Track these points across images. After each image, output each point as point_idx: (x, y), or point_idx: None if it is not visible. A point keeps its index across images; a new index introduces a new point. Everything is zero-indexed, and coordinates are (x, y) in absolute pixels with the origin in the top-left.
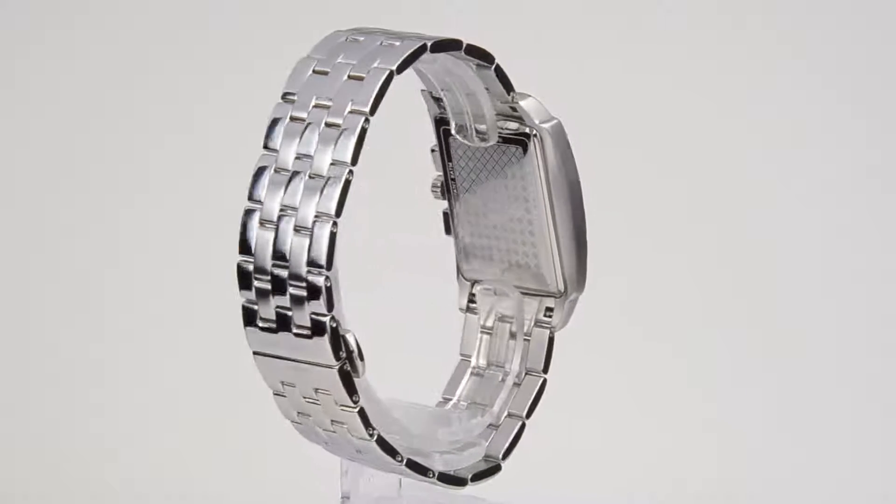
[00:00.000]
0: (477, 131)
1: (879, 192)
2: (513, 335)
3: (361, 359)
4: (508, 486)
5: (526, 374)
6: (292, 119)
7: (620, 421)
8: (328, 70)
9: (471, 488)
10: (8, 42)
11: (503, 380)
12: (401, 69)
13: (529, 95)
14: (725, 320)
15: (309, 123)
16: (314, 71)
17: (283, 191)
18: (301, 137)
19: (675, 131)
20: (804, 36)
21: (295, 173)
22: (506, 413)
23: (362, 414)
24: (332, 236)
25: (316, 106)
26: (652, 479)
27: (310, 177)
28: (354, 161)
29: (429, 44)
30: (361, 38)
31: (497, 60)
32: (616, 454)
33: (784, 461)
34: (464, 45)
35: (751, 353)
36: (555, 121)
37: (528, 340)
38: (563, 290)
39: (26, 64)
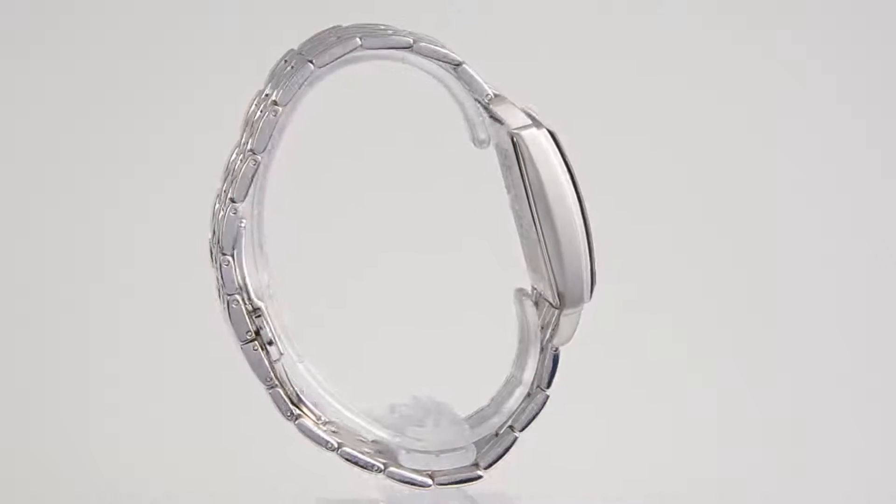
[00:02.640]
0: (475, 133)
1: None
2: (532, 347)
3: (271, 344)
4: (514, 487)
5: (537, 387)
6: (255, 107)
7: (621, 423)
8: (288, 61)
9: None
10: None
11: (518, 391)
12: (323, 64)
13: (507, 100)
14: (728, 323)
15: (258, 111)
16: (284, 61)
17: (231, 175)
18: (248, 124)
19: (679, 134)
20: (805, 34)
21: (241, 158)
22: (508, 424)
23: (276, 397)
24: (231, 219)
25: (266, 95)
26: (653, 480)
27: (241, 161)
28: (259, 148)
29: (360, 40)
30: (339, 34)
31: (464, 62)
32: (618, 456)
33: (784, 462)
34: (413, 45)
35: (751, 356)
36: (532, 128)
37: (542, 353)
38: (558, 304)
39: (11, 64)
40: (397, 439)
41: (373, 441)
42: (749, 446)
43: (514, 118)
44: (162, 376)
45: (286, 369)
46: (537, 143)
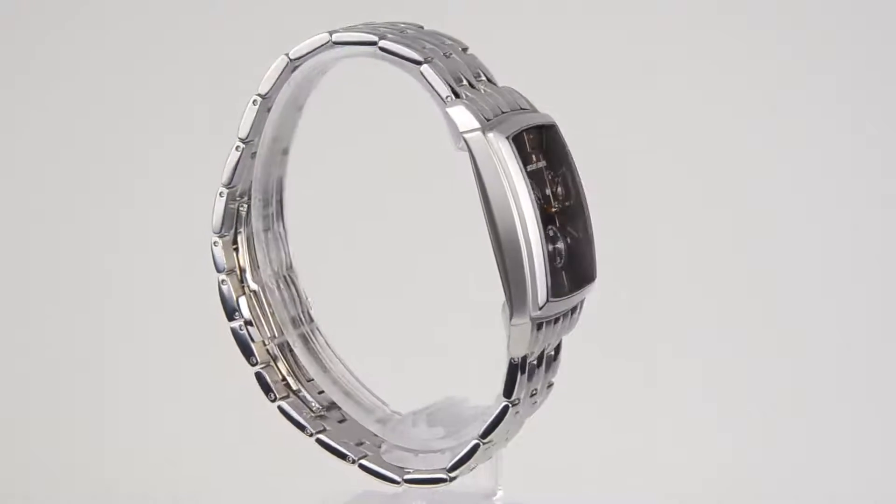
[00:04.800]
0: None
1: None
2: None
3: (251, 325)
4: (514, 487)
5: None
6: None
7: (619, 425)
8: None
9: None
10: None
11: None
12: (297, 57)
13: (461, 102)
14: (725, 323)
15: None
16: None
17: None
18: None
19: (678, 134)
20: (805, 34)
21: None
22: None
23: (259, 378)
24: (218, 203)
25: None
26: (651, 481)
27: None
28: (242, 135)
29: (332, 37)
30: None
31: (425, 62)
32: (616, 456)
33: (784, 463)
34: (378, 44)
35: (751, 356)
36: (477, 132)
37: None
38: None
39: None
40: (385, 433)
41: (372, 433)
42: (749, 446)
43: (464, 121)
44: (164, 374)
45: (298, 353)
46: (479, 147)
